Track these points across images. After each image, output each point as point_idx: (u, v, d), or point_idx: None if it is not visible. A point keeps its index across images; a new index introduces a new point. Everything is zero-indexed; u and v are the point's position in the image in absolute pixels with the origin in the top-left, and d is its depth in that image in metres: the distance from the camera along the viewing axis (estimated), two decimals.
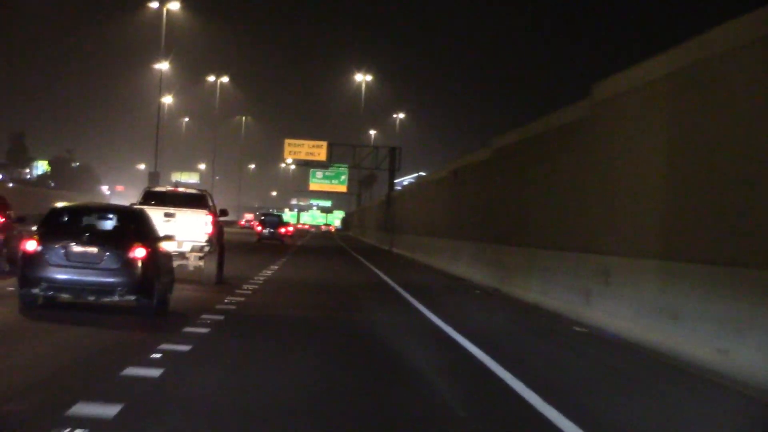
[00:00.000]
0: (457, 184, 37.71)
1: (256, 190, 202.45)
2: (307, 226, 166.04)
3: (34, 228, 16.05)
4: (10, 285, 17.71)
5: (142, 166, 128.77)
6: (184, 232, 22.69)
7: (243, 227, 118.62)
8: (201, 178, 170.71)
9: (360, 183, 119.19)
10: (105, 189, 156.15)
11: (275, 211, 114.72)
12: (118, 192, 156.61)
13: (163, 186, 36.53)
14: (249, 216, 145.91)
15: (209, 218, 23.49)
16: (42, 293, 14.98)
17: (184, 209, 23.43)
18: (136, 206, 20.19)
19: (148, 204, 23.24)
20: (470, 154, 35.20)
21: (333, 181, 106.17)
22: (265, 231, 68.40)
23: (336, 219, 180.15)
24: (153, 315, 15.37)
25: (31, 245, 14.92)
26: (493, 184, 29.98)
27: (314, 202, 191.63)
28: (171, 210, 23.19)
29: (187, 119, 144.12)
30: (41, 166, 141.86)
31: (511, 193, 27.55)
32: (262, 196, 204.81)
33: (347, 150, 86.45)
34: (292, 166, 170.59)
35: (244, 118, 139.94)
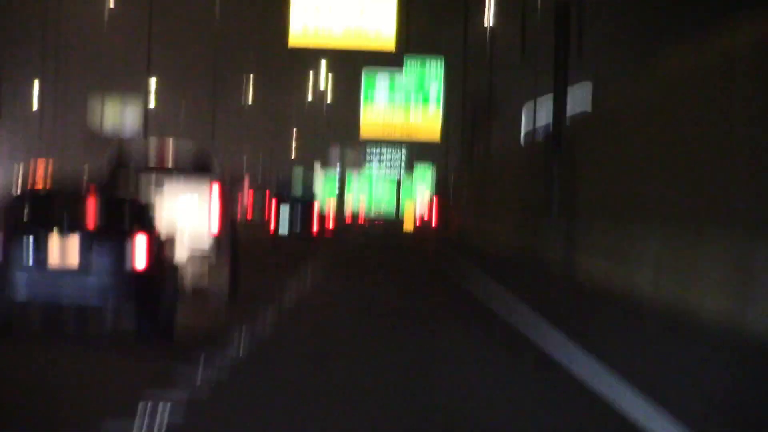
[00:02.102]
0: None
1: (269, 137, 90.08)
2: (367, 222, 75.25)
3: None
4: None
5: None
6: None
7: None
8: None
9: (471, 109, 50.71)
10: None
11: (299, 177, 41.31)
12: None
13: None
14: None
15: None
16: None
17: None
18: None
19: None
20: None
21: (407, 102, 48.45)
22: (284, 222, 38.11)
23: (415, 194, 79.78)
24: None
25: None
26: None
27: (372, 151, 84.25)
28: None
29: None
30: None
31: None
32: (281, 149, 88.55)
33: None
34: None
35: None
